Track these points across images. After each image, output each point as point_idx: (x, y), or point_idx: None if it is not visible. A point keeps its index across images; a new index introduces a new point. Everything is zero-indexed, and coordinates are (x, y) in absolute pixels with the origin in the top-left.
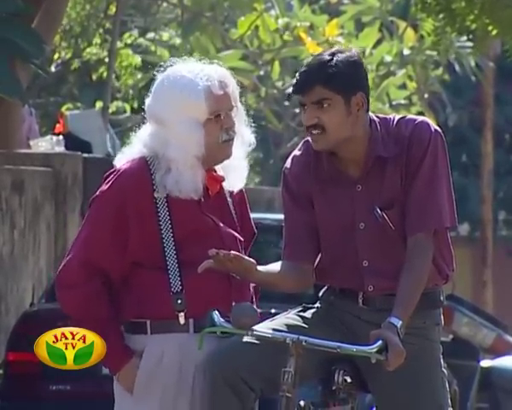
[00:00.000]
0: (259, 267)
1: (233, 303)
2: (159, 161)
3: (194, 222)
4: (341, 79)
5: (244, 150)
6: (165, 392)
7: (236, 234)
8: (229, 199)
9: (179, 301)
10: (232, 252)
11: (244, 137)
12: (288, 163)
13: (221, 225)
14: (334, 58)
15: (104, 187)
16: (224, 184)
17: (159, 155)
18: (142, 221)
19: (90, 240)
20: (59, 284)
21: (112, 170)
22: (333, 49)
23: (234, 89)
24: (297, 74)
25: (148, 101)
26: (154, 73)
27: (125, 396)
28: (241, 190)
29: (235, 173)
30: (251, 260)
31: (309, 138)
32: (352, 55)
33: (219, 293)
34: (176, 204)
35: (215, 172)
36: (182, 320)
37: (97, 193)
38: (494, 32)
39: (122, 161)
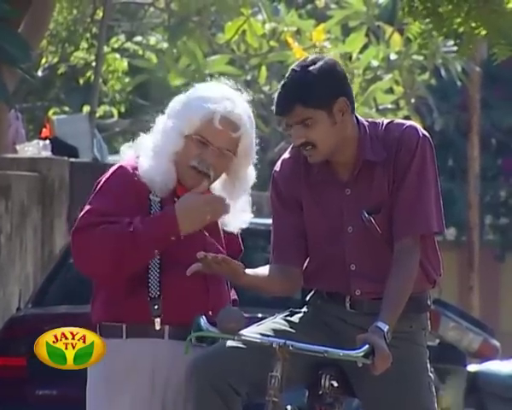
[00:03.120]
0: (247, 271)
1: (210, 312)
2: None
3: None
4: (319, 93)
5: (246, 198)
6: (136, 396)
7: (219, 246)
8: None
9: (156, 307)
10: (220, 255)
11: (242, 184)
12: (277, 166)
13: (206, 234)
14: (308, 73)
15: (107, 175)
16: (223, 223)
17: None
18: (135, 215)
19: (98, 199)
20: (76, 230)
21: (119, 163)
22: (306, 62)
23: (245, 138)
24: (276, 94)
25: None
26: (142, 77)
27: (98, 398)
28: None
29: (236, 219)
30: (239, 263)
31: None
32: (325, 64)
33: (197, 300)
34: (168, 205)
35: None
36: (157, 326)
37: (101, 182)
38: (481, 35)
39: (129, 152)
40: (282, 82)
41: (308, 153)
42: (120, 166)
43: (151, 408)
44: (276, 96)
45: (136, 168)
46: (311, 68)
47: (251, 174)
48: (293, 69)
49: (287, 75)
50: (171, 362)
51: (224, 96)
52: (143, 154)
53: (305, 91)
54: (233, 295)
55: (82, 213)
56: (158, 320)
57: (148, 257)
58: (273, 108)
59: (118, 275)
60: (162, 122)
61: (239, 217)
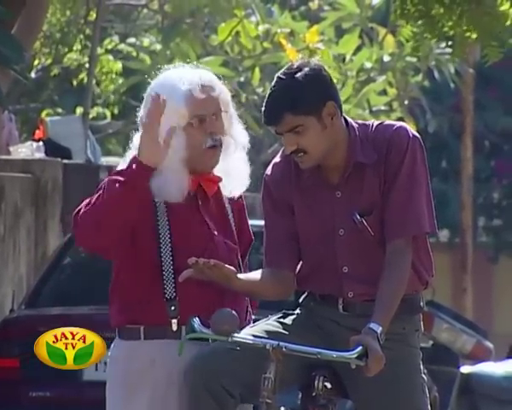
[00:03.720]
0: (240, 275)
1: None
2: None
3: (191, 229)
4: (308, 100)
5: (240, 154)
6: (154, 397)
7: (230, 242)
8: (227, 205)
9: (173, 308)
10: (212, 260)
11: (238, 140)
12: (268, 170)
13: (215, 233)
14: (294, 81)
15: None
16: (222, 188)
17: None
18: (142, 223)
19: (103, 194)
20: (76, 225)
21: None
22: (292, 69)
23: (222, 92)
24: (264, 104)
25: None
26: (136, 78)
27: (116, 398)
28: (240, 198)
29: (233, 179)
30: (231, 268)
31: None
32: (311, 70)
33: (212, 301)
34: (175, 210)
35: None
36: (174, 327)
37: (105, 179)
38: (473, 37)
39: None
40: (269, 91)
41: (300, 159)
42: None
43: (168, 408)
44: (264, 105)
45: None
46: (297, 75)
47: (242, 130)
48: (279, 77)
49: (273, 83)
50: (183, 363)
51: (182, 73)
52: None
53: (294, 99)
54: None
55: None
56: (175, 321)
57: (126, 200)
58: (262, 117)
59: (115, 235)
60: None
61: (238, 176)
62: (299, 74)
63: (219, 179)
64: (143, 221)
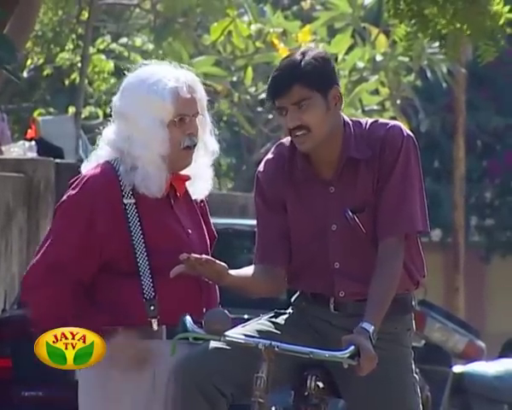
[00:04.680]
0: (231, 271)
1: (204, 309)
2: (124, 160)
3: (164, 227)
4: (317, 75)
5: (208, 159)
6: (137, 397)
7: (204, 240)
8: (194, 203)
9: (152, 308)
10: (203, 256)
11: (208, 145)
12: (260, 167)
13: (189, 231)
14: (306, 56)
15: (71, 192)
16: (189, 187)
17: (124, 153)
18: (112, 227)
19: (58, 244)
20: (24, 287)
21: (77, 176)
22: (301, 50)
23: (202, 96)
24: (270, 79)
25: (115, 98)
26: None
27: (95, 400)
28: (202, 201)
29: (200, 182)
30: (222, 264)
31: (283, 141)
32: (320, 52)
33: (191, 299)
34: (146, 209)
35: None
36: (155, 327)
37: (64, 198)
38: (466, 36)
39: (88, 166)
40: (276, 68)
41: (301, 139)
42: (86, 181)
43: (152, 409)
44: (270, 79)
45: (103, 173)
46: (308, 53)
47: (213, 137)
48: (288, 55)
49: (280, 63)
50: (171, 362)
51: (168, 70)
52: (126, 165)
53: (304, 71)
54: None
55: (32, 262)
56: (155, 321)
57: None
58: (265, 94)
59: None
60: (124, 130)
61: (203, 181)
62: (310, 53)
63: (188, 178)
64: (113, 223)
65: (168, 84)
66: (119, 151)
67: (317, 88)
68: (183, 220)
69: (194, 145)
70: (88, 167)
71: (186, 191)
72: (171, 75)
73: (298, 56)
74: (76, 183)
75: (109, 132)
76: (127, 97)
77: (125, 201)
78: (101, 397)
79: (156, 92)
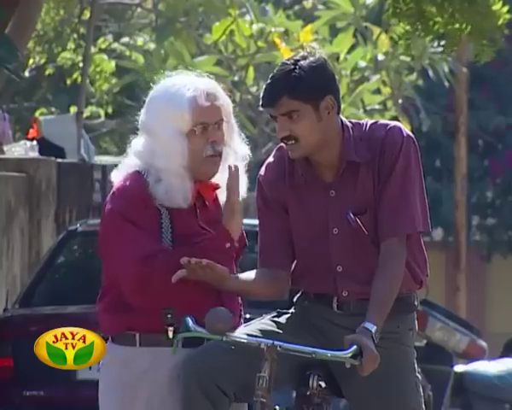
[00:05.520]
0: (234, 275)
1: None
2: (150, 172)
3: (190, 237)
4: (307, 87)
5: (240, 165)
6: (150, 404)
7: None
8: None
9: (169, 316)
10: (204, 260)
11: (237, 151)
12: (262, 171)
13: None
14: (298, 67)
15: (108, 206)
16: (220, 195)
17: (150, 165)
18: (147, 230)
19: (132, 232)
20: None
21: (112, 189)
22: (297, 57)
23: (225, 103)
24: (264, 87)
25: (141, 112)
26: (129, 77)
27: (111, 404)
28: None
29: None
30: (224, 267)
31: (284, 145)
32: (315, 60)
33: (209, 308)
34: (176, 216)
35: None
36: (170, 335)
37: (105, 212)
38: (465, 34)
39: (118, 176)
40: (271, 75)
41: (290, 147)
42: (122, 186)
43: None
44: (264, 87)
45: (135, 181)
46: (301, 63)
47: (242, 142)
48: (283, 62)
49: (276, 68)
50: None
51: (187, 79)
52: (152, 178)
53: (294, 83)
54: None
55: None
56: (171, 329)
57: None
58: (260, 100)
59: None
60: (149, 143)
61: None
62: (303, 62)
63: (218, 186)
64: (147, 227)
65: (186, 94)
66: (146, 164)
67: (307, 100)
68: (206, 229)
69: (220, 154)
70: (118, 176)
71: (216, 199)
72: (190, 84)
73: (290, 65)
74: (110, 196)
75: (137, 144)
76: (149, 111)
77: (160, 207)
78: (117, 401)
79: (174, 103)
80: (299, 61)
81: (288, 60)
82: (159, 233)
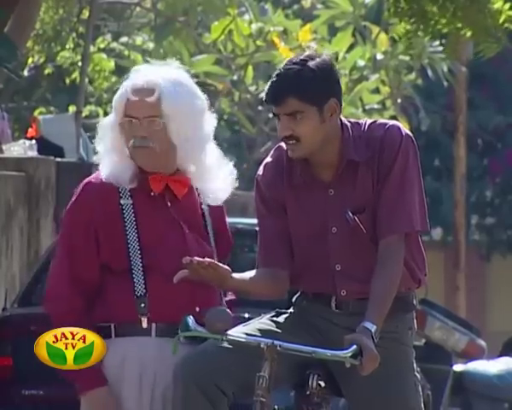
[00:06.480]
0: (234, 275)
1: (197, 309)
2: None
3: (160, 227)
4: (314, 90)
5: (216, 160)
6: (126, 396)
7: (205, 243)
8: (204, 207)
9: (142, 305)
10: (207, 259)
11: (193, 150)
12: (260, 170)
13: (186, 232)
14: (306, 67)
15: (73, 199)
16: (204, 197)
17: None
18: (108, 227)
19: (70, 254)
20: (48, 298)
21: (84, 180)
22: (304, 56)
23: (165, 99)
24: (269, 83)
25: None
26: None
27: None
28: (220, 206)
29: (212, 184)
30: (226, 267)
31: (282, 144)
32: (323, 62)
33: (183, 298)
34: (142, 210)
35: (180, 174)
36: (144, 324)
37: (68, 206)
38: (467, 36)
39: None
40: (277, 71)
41: (290, 147)
42: (85, 187)
43: (140, 407)
44: (268, 84)
45: (101, 177)
46: (309, 64)
47: (205, 136)
48: (290, 61)
49: (282, 66)
50: (159, 360)
51: (134, 71)
52: (102, 156)
53: (302, 85)
54: (230, 295)
55: (53, 275)
56: (145, 319)
57: None
58: (263, 95)
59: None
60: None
61: (216, 186)
62: (311, 63)
63: (188, 183)
64: (110, 224)
65: (123, 88)
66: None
67: (313, 102)
68: (180, 222)
69: (147, 147)
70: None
71: (191, 194)
72: (132, 78)
73: (299, 65)
74: (77, 189)
75: (102, 123)
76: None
77: (122, 202)
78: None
79: (117, 95)
80: (307, 61)
81: (296, 59)
82: (121, 228)
